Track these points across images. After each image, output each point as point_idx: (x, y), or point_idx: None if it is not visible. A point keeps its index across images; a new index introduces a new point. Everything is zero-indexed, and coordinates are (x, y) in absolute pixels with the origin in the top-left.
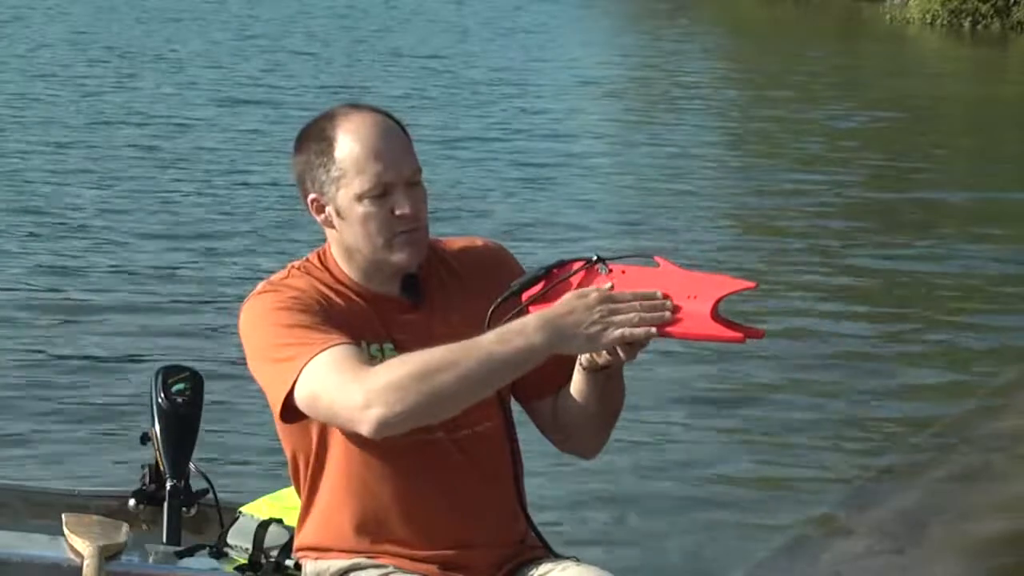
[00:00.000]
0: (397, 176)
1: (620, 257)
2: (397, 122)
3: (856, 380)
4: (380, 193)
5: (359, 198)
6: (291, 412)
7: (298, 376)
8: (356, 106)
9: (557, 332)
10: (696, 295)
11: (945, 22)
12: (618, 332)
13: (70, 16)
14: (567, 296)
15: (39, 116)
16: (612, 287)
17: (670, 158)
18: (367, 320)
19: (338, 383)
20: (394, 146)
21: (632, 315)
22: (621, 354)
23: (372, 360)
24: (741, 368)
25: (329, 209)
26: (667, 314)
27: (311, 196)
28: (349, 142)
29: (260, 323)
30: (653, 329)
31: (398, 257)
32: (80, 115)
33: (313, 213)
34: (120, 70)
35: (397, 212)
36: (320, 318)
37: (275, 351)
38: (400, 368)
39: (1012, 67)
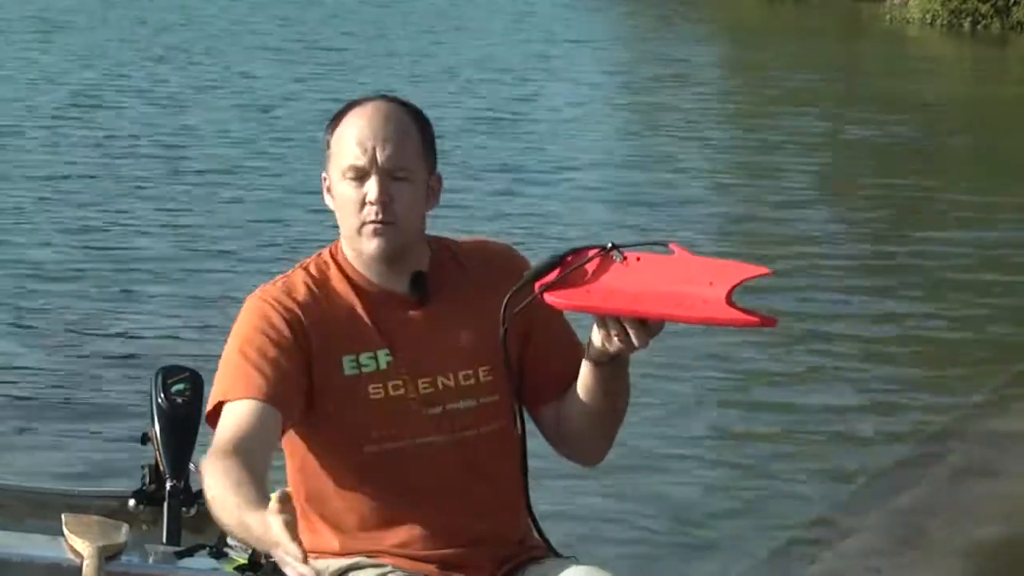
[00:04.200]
0: (371, 161)
1: (635, 245)
2: (416, 118)
3: (856, 380)
4: (355, 175)
5: (342, 176)
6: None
7: (219, 402)
8: (382, 96)
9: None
10: (712, 281)
11: (945, 22)
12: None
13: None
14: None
15: (43, 113)
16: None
17: (668, 161)
18: (362, 327)
19: (215, 438)
20: (383, 133)
21: None
22: (633, 340)
23: (363, 368)
24: (741, 368)
25: (327, 187)
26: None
27: (323, 175)
28: (347, 123)
29: (235, 332)
30: None
31: (366, 246)
32: (81, 110)
33: (324, 194)
34: (131, 65)
35: (368, 198)
36: (275, 355)
37: (225, 366)
38: (215, 481)
39: (1012, 67)
